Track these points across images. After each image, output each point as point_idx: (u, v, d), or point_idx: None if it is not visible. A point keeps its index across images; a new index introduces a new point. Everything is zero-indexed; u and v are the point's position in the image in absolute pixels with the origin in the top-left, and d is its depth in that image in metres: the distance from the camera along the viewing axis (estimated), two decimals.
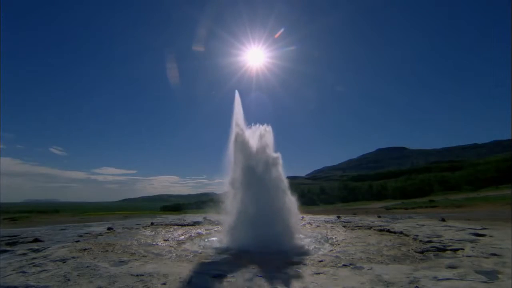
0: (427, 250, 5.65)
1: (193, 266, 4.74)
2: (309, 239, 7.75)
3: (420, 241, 6.69)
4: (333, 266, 4.70)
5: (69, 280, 3.93)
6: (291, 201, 8.57)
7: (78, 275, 4.12)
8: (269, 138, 9.74)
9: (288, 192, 8.74)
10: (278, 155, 9.32)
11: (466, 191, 58.26)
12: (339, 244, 6.83)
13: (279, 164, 9.14)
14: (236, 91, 10.30)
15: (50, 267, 4.62)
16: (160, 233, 9.29)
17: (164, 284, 3.74)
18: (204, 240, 8.01)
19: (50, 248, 6.28)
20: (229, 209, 8.29)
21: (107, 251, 6.12)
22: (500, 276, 3.80)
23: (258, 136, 9.52)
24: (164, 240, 7.83)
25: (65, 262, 4.95)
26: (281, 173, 9.06)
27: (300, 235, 8.05)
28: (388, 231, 8.65)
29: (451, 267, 4.32)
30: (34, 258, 5.29)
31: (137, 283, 3.76)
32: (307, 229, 9.81)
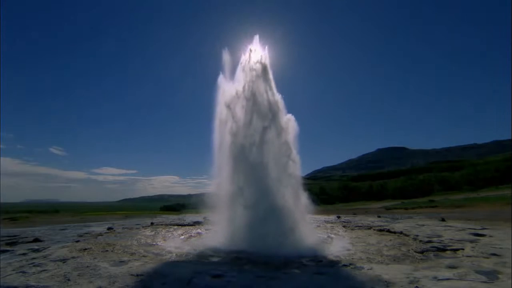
0: (427, 250, 5.65)
1: (193, 266, 4.73)
2: (309, 240, 7.73)
3: (420, 241, 6.69)
4: (332, 266, 4.70)
5: (69, 280, 3.92)
6: (301, 195, 7.15)
7: (78, 275, 4.11)
8: (268, 63, 7.63)
9: (299, 182, 7.14)
10: (290, 117, 7.44)
11: (466, 191, 58.22)
12: (339, 244, 6.82)
13: (288, 130, 7.29)
14: (225, 50, 8.36)
15: (50, 267, 4.61)
16: (160, 233, 9.28)
17: (164, 284, 3.74)
18: (204, 240, 8.00)
19: (50, 248, 6.28)
20: (224, 214, 7.40)
21: (107, 251, 6.12)
22: (500, 276, 3.80)
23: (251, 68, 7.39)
24: (164, 240, 7.83)
25: (65, 262, 4.95)
26: (291, 145, 7.16)
27: (303, 236, 7.51)
28: (388, 231, 8.65)
29: (451, 267, 4.32)
30: (34, 258, 5.28)
31: (137, 283, 3.75)
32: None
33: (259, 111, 7.13)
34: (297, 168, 7.20)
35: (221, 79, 8.24)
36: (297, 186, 7.13)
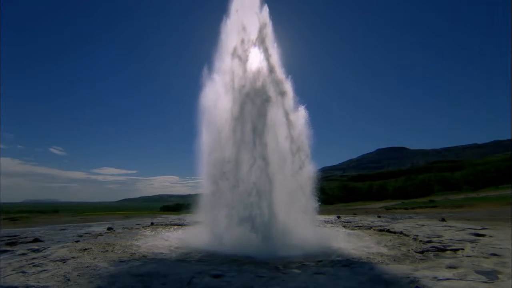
0: (427, 250, 5.65)
1: (193, 266, 4.73)
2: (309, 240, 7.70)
3: (420, 241, 6.68)
4: (332, 266, 4.70)
5: (69, 280, 3.92)
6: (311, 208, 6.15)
7: (78, 275, 4.11)
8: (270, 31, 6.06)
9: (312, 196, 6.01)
10: (303, 112, 5.88)
11: (466, 191, 58.20)
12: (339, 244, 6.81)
13: (302, 130, 5.89)
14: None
15: (50, 267, 4.61)
16: (160, 233, 9.27)
17: (164, 284, 3.74)
18: (204, 240, 7.98)
19: (50, 248, 6.27)
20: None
21: (107, 251, 6.12)
22: (500, 276, 3.80)
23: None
24: (164, 240, 7.81)
25: (65, 262, 4.94)
26: (306, 143, 6.00)
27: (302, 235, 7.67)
28: (388, 231, 8.65)
29: (451, 267, 4.32)
30: (34, 258, 5.28)
31: (137, 283, 3.75)
32: None
33: (254, 84, 5.41)
34: (310, 180, 5.84)
35: (205, 73, 6.84)
36: (309, 201, 6.02)
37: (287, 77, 6.68)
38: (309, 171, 6.19)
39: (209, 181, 5.59)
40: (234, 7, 6.56)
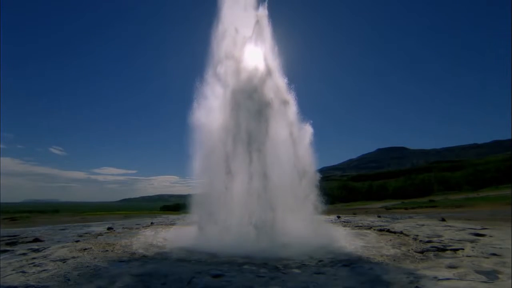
0: (427, 250, 5.65)
1: (193, 266, 4.74)
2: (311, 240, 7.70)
3: (420, 241, 6.69)
4: (332, 266, 4.70)
5: (69, 280, 3.92)
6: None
7: (78, 275, 4.11)
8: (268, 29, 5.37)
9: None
10: (309, 128, 5.30)
11: (466, 191, 58.22)
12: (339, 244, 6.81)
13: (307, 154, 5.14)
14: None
15: (50, 267, 4.61)
16: (160, 233, 9.29)
17: (164, 284, 3.74)
18: (204, 240, 7.97)
19: (50, 248, 6.28)
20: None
21: (107, 251, 6.12)
22: (500, 276, 3.80)
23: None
24: (164, 240, 7.82)
25: (65, 262, 4.95)
26: (313, 164, 5.35)
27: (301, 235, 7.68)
28: (388, 231, 8.65)
29: (451, 267, 4.32)
30: (34, 258, 5.28)
31: (137, 283, 3.75)
32: None
33: (251, 82, 4.59)
34: (318, 208, 5.19)
35: (197, 87, 6.22)
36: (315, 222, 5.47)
37: (290, 86, 5.93)
38: (316, 199, 5.57)
39: (196, 224, 4.92)
40: (226, 4, 5.99)
